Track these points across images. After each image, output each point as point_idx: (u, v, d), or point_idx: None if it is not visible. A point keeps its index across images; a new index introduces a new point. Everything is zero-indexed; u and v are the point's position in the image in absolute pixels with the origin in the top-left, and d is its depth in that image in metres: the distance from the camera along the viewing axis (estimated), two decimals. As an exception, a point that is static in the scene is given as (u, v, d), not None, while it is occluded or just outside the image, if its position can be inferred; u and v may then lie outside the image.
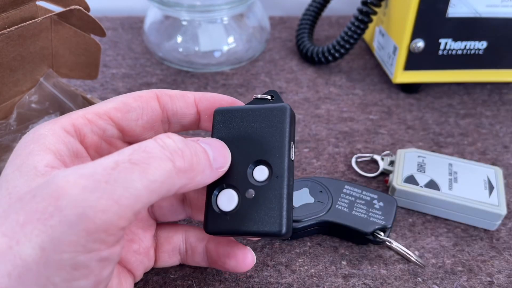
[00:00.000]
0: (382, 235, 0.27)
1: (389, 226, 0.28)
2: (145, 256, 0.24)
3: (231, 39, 0.47)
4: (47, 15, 0.28)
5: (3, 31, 0.26)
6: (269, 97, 0.23)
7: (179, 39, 0.47)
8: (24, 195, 0.17)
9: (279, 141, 0.21)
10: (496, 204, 0.30)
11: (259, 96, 0.23)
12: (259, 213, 0.20)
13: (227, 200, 0.21)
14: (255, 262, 0.24)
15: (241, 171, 0.21)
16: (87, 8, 0.29)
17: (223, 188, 0.21)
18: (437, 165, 0.32)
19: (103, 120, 0.21)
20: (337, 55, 0.45)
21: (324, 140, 0.38)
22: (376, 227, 0.28)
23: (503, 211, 0.29)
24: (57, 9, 0.29)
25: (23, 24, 0.26)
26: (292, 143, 0.21)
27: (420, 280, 0.27)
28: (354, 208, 0.29)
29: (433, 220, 0.31)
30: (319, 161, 0.35)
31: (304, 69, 0.47)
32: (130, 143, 0.23)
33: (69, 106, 0.33)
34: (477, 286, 0.27)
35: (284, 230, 0.20)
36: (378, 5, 0.42)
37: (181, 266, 0.27)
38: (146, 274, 0.27)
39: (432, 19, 0.38)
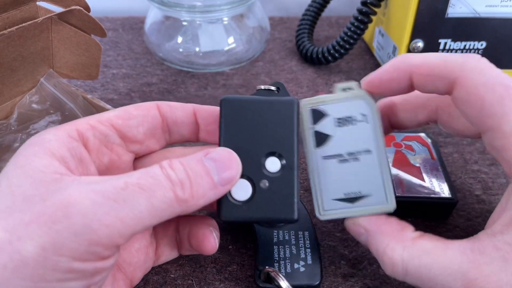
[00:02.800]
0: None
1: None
2: (146, 255, 0.25)
3: (231, 40, 0.47)
4: (47, 16, 0.28)
5: (4, 31, 0.26)
6: (274, 88, 0.24)
7: (180, 39, 0.47)
8: (32, 197, 0.18)
9: (289, 134, 0.22)
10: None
11: (263, 87, 0.24)
12: (274, 202, 0.22)
13: (242, 190, 0.22)
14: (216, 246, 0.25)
15: (255, 162, 0.22)
16: (87, 8, 0.29)
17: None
18: (360, 135, 0.24)
19: (105, 126, 0.22)
20: (337, 55, 0.45)
21: (324, 140, 0.38)
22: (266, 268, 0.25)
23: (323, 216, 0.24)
24: (58, 9, 0.29)
25: (23, 24, 0.26)
26: (298, 135, 0.23)
27: (419, 279, 0.27)
28: (283, 245, 0.27)
29: (432, 220, 0.31)
30: (318, 161, 0.35)
31: (304, 69, 0.47)
32: (133, 151, 0.24)
33: (69, 106, 0.33)
34: (476, 285, 0.27)
35: (296, 217, 0.22)
36: (378, 6, 0.42)
37: (181, 265, 0.27)
38: (146, 273, 0.27)
39: (431, 19, 0.38)
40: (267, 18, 0.50)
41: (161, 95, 0.43)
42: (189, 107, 0.24)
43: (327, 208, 0.24)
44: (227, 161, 0.21)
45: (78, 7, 0.28)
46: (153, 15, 0.48)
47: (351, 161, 0.24)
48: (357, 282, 0.27)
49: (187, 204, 0.19)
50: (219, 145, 0.22)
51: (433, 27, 0.38)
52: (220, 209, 0.22)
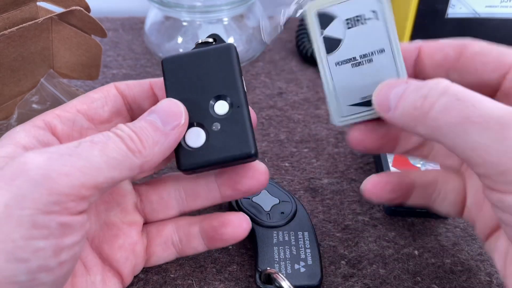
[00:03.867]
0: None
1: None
2: (131, 253, 0.25)
3: (231, 40, 0.47)
4: (48, 16, 0.28)
5: (4, 31, 0.26)
6: (211, 40, 0.25)
7: (180, 39, 0.47)
8: None
9: (231, 76, 0.23)
10: None
11: (200, 41, 0.25)
12: (228, 141, 0.22)
13: (195, 136, 0.23)
14: (251, 226, 0.25)
15: (203, 108, 0.23)
16: (87, 8, 0.30)
17: (190, 127, 0.23)
18: (372, 35, 0.23)
19: (71, 112, 0.23)
20: (337, 55, 0.45)
21: (324, 140, 0.38)
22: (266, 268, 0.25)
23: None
24: (58, 9, 0.29)
25: (24, 24, 0.26)
26: (241, 77, 0.24)
27: (419, 279, 0.27)
28: (283, 246, 0.27)
29: (432, 220, 0.31)
30: (318, 161, 0.35)
31: (304, 70, 0.47)
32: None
33: (69, 106, 0.33)
34: (476, 285, 0.27)
35: (253, 150, 0.22)
36: (378, 6, 0.42)
37: (181, 265, 0.27)
38: (146, 273, 0.27)
39: (431, 19, 0.38)
40: (267, 19, 0.50)
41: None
42: (146, 82, 0.25)
43: (346, 114, 0.23)
44: (167, 108, 0.22)
45: (79, 8, 0.28)
46: (153, 15, 0.48)
47: (365, 63, 0.23)
48: (357, 282, 0.27)
49: (143, 154, 0.20)
50: None
51: (433, 27, 0.38)
52: (178, 159, 0.23)
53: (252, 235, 0.27)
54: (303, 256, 0.26)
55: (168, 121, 0.21)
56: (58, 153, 0.18)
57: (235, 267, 0.27)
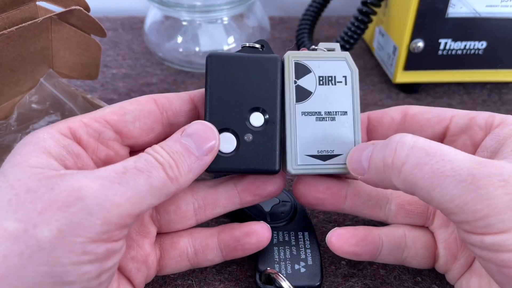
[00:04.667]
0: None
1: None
2: (143, 264, 0.24)
3: (231, 39, 0.47)
4: (47, 15, 0.28)
5: (4, 31, 0.26)
6: (258, 46, 0.25)
7: (179, 39, 0.47)
8: (36, 188, 0.18)
9: (273, 91, 0.24)
10: None
11: (248, 44, 0.25)
12: (257, 154, 0.23)
13: (227, 142, 0.23)
14: (271, 234, 0.25)
15: (240, 117, 0.23)
16: (87, 8, 0.29)
17: (224, 132, 0.23)
18: (339, 96, 0.25)
19: (99, 123, 0.22)
20: (337, 55, 0.45)
21: (324, 140, 0.38)
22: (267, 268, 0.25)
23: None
24: (58, 9, 0.29)
25: (23, 24, 0.26)
26: (282, 91, 0.24)
27: (419, 279, 0.27)
28: (284, 247, 0.27)
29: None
30: (319, 161, 0.35)
31: (304, 69, 0.47)
32: (129, 145, 0.24)
33: (69, 106, 0.33)
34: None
35: (277, 168, 0.23)
36: (378, 5, 0.42)
37: (181, 265, 0.27)
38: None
39: (431, 19, 0.38)
40: (267, 18, 0.50)
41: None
42: (185, 95, 0.25)
43: (300, 163, 0.24)
44: (203, 133, 0.22)
45: (78, 7, 0.28)
46: (153, 15, 0.48)
47: (327, 120, 0.25)
48: (357, 282, 0.27)
49: (179, 182, 0.21)
50: (205, 100, 0.23)
51: (434, 27, 0.38)
52: None
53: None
54: (303, 256, 0.26)
55: (202, 146, 0.22)
56: (108, 180, 0.19)
57: (235, 267, 0.27)
